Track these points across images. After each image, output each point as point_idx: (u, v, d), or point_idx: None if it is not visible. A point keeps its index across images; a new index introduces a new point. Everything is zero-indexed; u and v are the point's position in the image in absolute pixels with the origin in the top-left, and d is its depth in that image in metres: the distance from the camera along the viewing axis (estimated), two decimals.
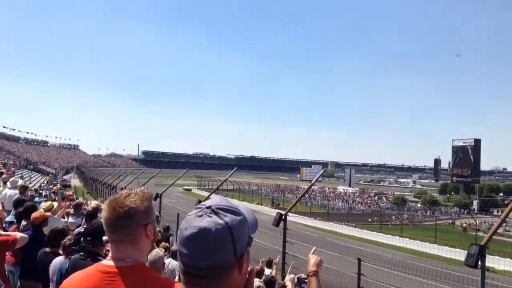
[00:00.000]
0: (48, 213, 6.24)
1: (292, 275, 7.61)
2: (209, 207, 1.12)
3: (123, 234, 1.60)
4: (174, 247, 7.74)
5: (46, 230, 5.70)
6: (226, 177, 18.85)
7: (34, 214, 5.86)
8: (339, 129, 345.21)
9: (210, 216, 1.09)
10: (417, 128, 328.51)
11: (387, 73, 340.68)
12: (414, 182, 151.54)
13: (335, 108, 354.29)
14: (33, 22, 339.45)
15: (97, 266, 1.60)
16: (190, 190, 70.27)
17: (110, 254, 1.62)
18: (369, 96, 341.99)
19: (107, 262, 1.59)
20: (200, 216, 1.10)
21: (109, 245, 1.66)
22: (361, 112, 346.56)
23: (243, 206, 1.26)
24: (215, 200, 1.16)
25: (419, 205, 68.83)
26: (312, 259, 2.55)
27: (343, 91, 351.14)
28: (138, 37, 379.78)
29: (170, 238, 13.02)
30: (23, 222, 6.14)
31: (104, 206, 1.64)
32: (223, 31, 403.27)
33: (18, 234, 4.91)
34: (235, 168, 19.24)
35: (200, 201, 11.02)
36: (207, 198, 16.78)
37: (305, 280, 5.38)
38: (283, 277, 8.16)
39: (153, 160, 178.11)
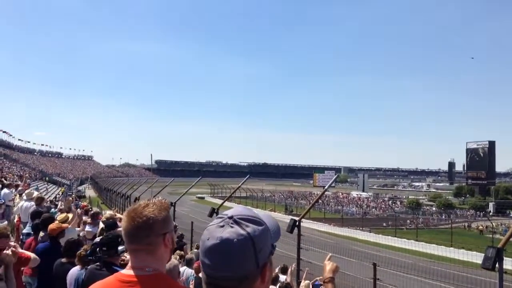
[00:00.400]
0: (65, 225, 6.32)
1: (307, 281, 7.57)
2: (231, 217, 1.11)
3: (142, 243, 1.62)
4: (188, 255, 7.78)
5: (62, 241, 5.79)
6: (239, 185, 18.86)
7: (51, 226, 5.93)
8: (352, 134, 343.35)
9: (232, 227, 1.09)
10: (431, 131, 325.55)
11: (400, 75, 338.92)
12: (429, 185, 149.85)
13: (347, 113, 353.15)
14: (49, 34, 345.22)
15: (117, 276, 1.62)
16: (203, 198, 70.38)
17: (129, 264, 1.64)
18: (381, 100, 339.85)
19: (127, 272, 1.61)
20: (222, 226, 1.10)
21: (128, 255, 1.69)
22: (373, 117, 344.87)
23: (266, 214, 1.28)
24: (237, 210, 1.15)
25: (434, 208, 68.04)
26: (328, 265, 2.54)
27: (354, 95, 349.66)
28: (154, 47, 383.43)
29: (184, 246, 13.07)
30: (41, 234, 6.23)
31: (123, 217, 1.68)
32: (230, 37, 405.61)
33: (32, 255, 4.94)
34: (247, 176, 19.24)
35: (214, 209, 11.04)
36: (221, 206, 16.84)
37: (321, 286, 5.36)
38: (298, 284, 8.13)
39: (166, 169, 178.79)
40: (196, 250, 11.38)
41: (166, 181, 27.88)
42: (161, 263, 1.69)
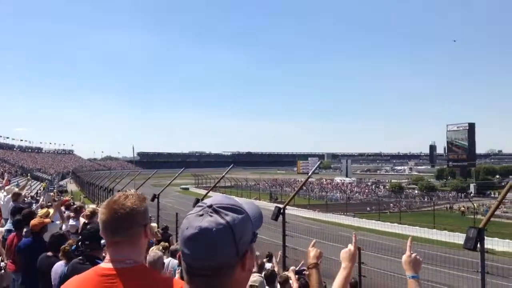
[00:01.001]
0: (47, 220, 6.22)
1: (293, 267, 7.62)
2: (210, 206, 1.10)
3: (124, 235, 1.62)
4: (173, 247, 7.74)
5: (45, 236, 5.70)
6: (223, 175, 18.84)
7: (33, 222, 5.84)
8: (334, 121, 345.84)
9: (211, 216, 1.07)
10: (412, 115, 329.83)
11: (381, 60, 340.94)
12: (411, 169, 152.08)
13: (328, 100, 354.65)
14: (28, 26, 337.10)
15: (96, 270, 1.60)
16: (187, 189, 70.25)
17: (107, 257, 1.62)
18: (362, 85, 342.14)
19: (106, 265, 1.59)
20: (201, 215, 1.08)
21: (106, 248, 1.66)
22: (356, 102, 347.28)
23: (248, 201, 1.26)
24: (217, 198, 1.13)
25: (416, 191, 69.13)
26: (312, 251, 2.57)
27: (335, 81, 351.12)
28: (129, 38, 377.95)
29: (170, 238, 13.02)
30: (25, 229, 6.13)
31: (101, 209, 1.66)
32: (211, 27, 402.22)
33: None
34: (231, 165, 19.23)
35: (198, 200, 10.99)
36: (205, 196, 16.82)
37: (304, 272, 5.39)
38: (285, 271, 8.17)
39: (149, 161, 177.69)
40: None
41: (149, 173, 27.65)
42: (141, 254, 1.70)
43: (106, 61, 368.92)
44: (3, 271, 3.72)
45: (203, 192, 27.87)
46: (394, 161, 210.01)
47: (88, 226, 5.18)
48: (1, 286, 3.63)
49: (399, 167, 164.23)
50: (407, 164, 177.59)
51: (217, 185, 22.38)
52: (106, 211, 1.63)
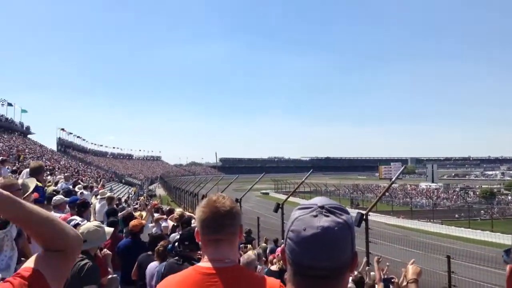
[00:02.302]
0: (144, 221, 6.73)
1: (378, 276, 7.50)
2: (322, 207, 1.08)
3: (227, 233, 1.68)
4: (256, 250, 7.96)
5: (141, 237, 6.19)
6: (303, 180, 18.89)
7: (133, 223, 6.34)
8: (418, 124, 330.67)
9: (327, 216, 1.05)
10: (503, 116, 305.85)
11: (465, 60, 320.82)
12: (503, 173, 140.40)
13: (410, 102, 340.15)
14: (110, 42, 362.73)
15: (195, 269, 1.64)
16: (267, 194, 70.88)
17: (206, 257, 1.67)
18: (447, 86, 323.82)
19: (205, 264, 1.63)
20: (316, 216, 1.05)
21: (204, 248, 1.72)
22: (440, 104, 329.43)
23: None
24: (322, 199, 1.12)
25: (509, 197, 63.83)
26: (412, 268, 2.64)
27: (417, 83, 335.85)
28: (206, 48, 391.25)
29: (253, 241, 13.33)
30: (124, 230, 6.69)
31: (201, 209, 1.70)
32: (282, 32, 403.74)
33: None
34: (311, 170, 19.24)
35: (279, 205, 11.19)
36: (285, 201, 16.97)
37: (392, 280, 5.31)
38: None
39: (230, 167, 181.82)
40: (264, 244, 11.58)
41: (231, 178, 28.45)
42: (237, 254, 1.77)
43: (191, 71, 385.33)
44: (115, 274, 4.08)
45: (283, 197, 28.04)
46: (484, 165, 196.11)
47: (187, 228, 5.53)
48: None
49: (490, 172, 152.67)
50: (499, 168, 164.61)
51: (296, 190, 22.43)
52: (207, 210, 1.67)
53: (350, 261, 1.07)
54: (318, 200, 1.11)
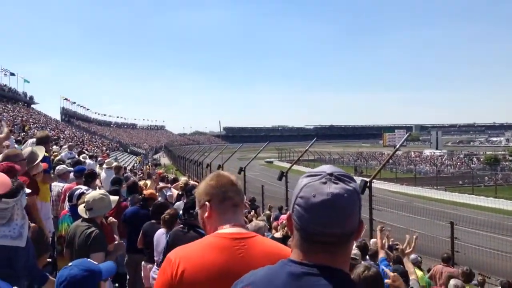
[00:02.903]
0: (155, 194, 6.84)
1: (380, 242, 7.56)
2: (331, 174, 1.08)
3: (241, 198, 1.76)
4: (260, 218, 8.04)
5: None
6: (306, 148, 18.90)
7: (149, 191, 6.43)
8: (422, 91, 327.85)
9: (336, 183, 1.06)
10: (508, 81, 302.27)
11: (469, 24, 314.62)
12: (508, 140, 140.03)
13: (415, 69, 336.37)
14: (114, 6, 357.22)
15: (218, 235, 1.65)
16: (271, 162, 71.13)
17: (226, 224, 1.67)
18: (451, 51, 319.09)
19: (227, 230, 1.65)
20: (325, 183, 1.06)
21: (219, 216, 1.71)
22: (443, 68, 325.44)
23: None
24: (330, 167, 1.13)
25: None
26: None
27: (421, 49, 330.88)
28: (208, 15, 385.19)
29: (257, 209, 13.45)
30: (129, 198, 6.79)
31: (212, 181, 1.75)
32: None
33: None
34: (314, 139, 19.23)
35: (283, 173, 11.23)
36: (289, 169, 17.02)
37: (396, 247, 5.38)
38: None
39: (234, 136, 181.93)
40: (268, 212, 11.68)
41: (235, 147, 28.54)
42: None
43: (194, 38, 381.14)
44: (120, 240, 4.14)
45: (287, 165, 28.13)
46: (489, 132, 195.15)
47: (192, 196, 5.56)
48: (117, 255, 4.01)
49: (494, 138, 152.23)
50: (504, 135, 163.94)
51: (300, 158, 22.48)
52: (219, 179, 1.76)
53: (357, 229, 1.10)
54: (327, 168, 1.12)
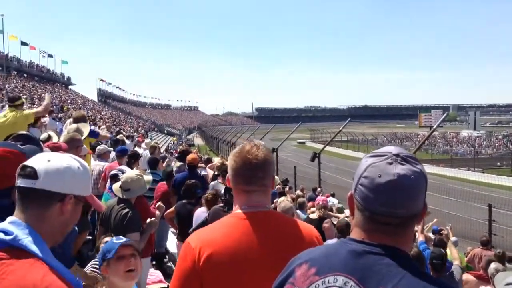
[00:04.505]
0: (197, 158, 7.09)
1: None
2: (397, 155, 1.07)
3: (258, 185, 1.65)
4: (300, 199, 8.06)
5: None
6: (340, 129, 18.74)
7: (191, 156, 6.58)
8: (460, 69, 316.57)
9: (402, 164, 1.04)
10: None
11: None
12: None
13: (451, 47, 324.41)
14: None
15: (234, 215, 1.65)
16: (304, 143, 70.84)
17: (239, 205, 1.67)
18: (489, 28, 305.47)
19: (246, 210, 1.63)
20: (391, 163, 1.04)
21: (235, 196, 1.71)
22: (481, 46, 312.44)
23: None
24: (396, 148, 1.11)
25: None
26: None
27: (460, 25, 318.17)
28: None
29: (290, 189, 13.47)
30: (177, 163, 7.09)
31: (234, 158, 1.67)
32: None
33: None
34: (348, 119, 18.96)
35: (315, 154, 11.21)
36: (322, 150, 16.94)
37: (442, 232, 5.38)
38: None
39: (266, 116, 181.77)
40: (300, 192, 11.66)
41: (267, 128, 28.59)
42: (269, 202, 1.75)
43: (228, 19, 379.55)
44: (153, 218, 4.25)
45: (320, 146, 27.98)
46: None
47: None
48: (150, 232, 4.12)
49: None
50: None
51: (333, 139, 22.31)
52: (239, 160, 1.65)
53: (420, 211, 1.08)
54: (393, 149, 1.10)
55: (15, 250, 1.20)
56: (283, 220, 1.69)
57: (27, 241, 1.21)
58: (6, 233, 1.22)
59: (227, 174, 1.73)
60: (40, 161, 1.31)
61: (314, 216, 6.55)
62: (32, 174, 1.27)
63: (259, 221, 1.60)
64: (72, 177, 1.33)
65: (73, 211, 1.36)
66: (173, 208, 5.62)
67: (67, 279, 1.22)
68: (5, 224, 1.25)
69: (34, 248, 1.20)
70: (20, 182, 1.28)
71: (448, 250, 5.04)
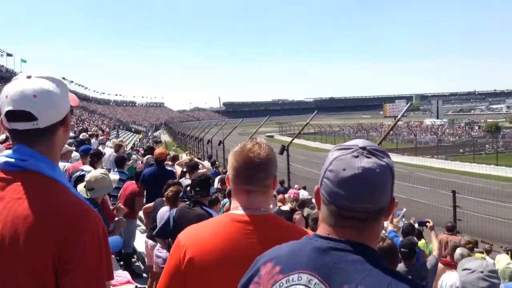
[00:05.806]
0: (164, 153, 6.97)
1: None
2: (363, 148, 1.03)
3: (259, 184, 1.58)
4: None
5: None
6: (307, 121, 18.82)
7: (158, 150, 6.46)
8: (422, 60, 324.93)
9: (368, 157, 1.01)
10: (509, 47, 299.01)
11: None
12: (508, 107, 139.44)
13: (413, 37, 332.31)
14: None
15: (229, 216, 1.58)
16: (272, 136, 71.00)
17: (237, 204, 1.59)
18: (449, 19, 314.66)
19: (239, 212, 1.56)
20: (357, 156, 1.01)
21: (234, 195, 1.63)
22: (443, 36, 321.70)
23: None
24: (362, 141, 1.07)
25: None
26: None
27: (421, 16, 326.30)
28: None
29: None
30: (145, 158, 7.08)
31: (235, 157, 1.59)
32: None
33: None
34: (315, 112, 19.10)
35: (284, 147, 11.23)
36: (290, 143, 16.98)
37: (427, 224, 5.49)
38: None
39: (234, 111, 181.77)
40: None
41: (235, 122, 28.45)
42: (270, 203, 1.67)
43: (190, 13, 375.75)
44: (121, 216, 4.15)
45: (288, 139, 28.08)
46: (490, 99, 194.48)
47: (199, 174, 5.53)
48: (118, 232, 4.02)
49: (495, 106, 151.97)
50: (504, 102, 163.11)
51: (301, 132, 22.46)
52: (239, 159, 1.57)
53: (387, 206, 1.05)
54: (359, 142, 1.06)
55: (31, 172, 1.25)
56: (279, 225, 1.61)
57: (41, 164, 1.26)
58: (19, 159, 1.26)
59: (227, 173, 1.66)
60: (27, 100, 1.24)
61: (285, 208, 6.60)
62: (29, 116, 1.24)
63: (253, 224, 1.53)
64: (62, 99, 1.34)
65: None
66: (151, 204, 5.56)
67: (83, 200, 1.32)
68: (16, 150, 1.28)
69: (49, 171, 1.27)
70: (18, 126, 1.26)
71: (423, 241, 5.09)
